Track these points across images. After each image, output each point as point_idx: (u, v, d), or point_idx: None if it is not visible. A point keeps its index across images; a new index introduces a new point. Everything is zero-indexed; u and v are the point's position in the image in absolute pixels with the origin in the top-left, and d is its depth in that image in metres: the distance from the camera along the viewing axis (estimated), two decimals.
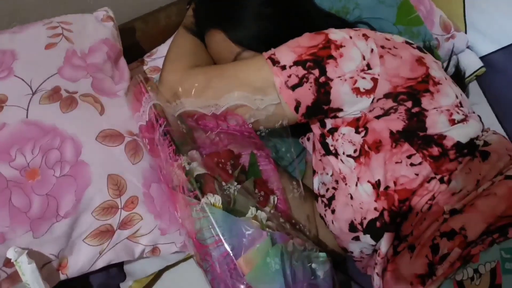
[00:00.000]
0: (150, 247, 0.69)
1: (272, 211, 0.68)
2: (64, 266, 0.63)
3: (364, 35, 0.66)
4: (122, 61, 0.80)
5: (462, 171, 0.61)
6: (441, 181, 0.61)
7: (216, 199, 0.63)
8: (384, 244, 0.63)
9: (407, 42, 0.69)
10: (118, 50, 0.80)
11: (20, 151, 0.60)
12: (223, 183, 0.65)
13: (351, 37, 0.65)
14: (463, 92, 0.74)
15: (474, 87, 1.01)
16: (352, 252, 0.72)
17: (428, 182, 0.62)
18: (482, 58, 1.00)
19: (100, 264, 0.65)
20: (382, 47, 0.65)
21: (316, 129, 0.71)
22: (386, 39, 0.68)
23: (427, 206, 0.61)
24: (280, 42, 0.67)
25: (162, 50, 0.92)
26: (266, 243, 0.60)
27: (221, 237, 0.59)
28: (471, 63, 0.98)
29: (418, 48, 0.70)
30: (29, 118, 0.63)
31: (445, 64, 0.85)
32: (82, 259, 0.64)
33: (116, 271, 0.72)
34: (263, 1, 0.73)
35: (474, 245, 0.55)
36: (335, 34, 0.66)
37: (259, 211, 0.65)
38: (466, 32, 1.00)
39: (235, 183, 0.66)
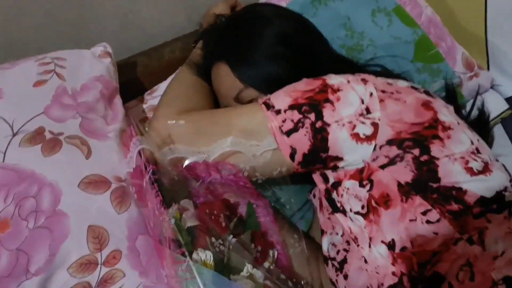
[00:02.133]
0: None
1: (271, 267, 0.62)
2: None
3: (363, 79, 0.62)
4: (118, 100, 0.76)
5: (498, 230, 0.55)
6: (470, 242, 0.54)
7: (207, 255, 0.56)
8: None
9: (413, 87, 0.64)
10: (114, 88, 0.76)
11: None
12: (214, 239, 0.58)
13: (349, 81, 0.61)
14: (488, 136, 0.67)
15: (499, 131, 0.93)
16: None
17: (455, 244, 0.55)
18: (507, 99, 0.93)
19: None
20: (383, 91, 0.61)
21: (320, 184, 0.66)
22: (388, 83, 0.63)
23: (466, 274, 0.54)
24: (285, 85, 0.64)
25: (163, 87, 0.87)
26: None
27: None
28: (495, 105, 0.91)
29: (426, 92, 0.65)
30: (6, 162, 0.58)
31: (468, 105, 0.79)
32: None
33: None
34: (276, 42, 0.70)
35: None
36: (333, 79, 0.62)
37: (255, 269, 0.58)
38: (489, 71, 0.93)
39: (231, 237, 0.60)
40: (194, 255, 0.56)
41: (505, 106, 0.92)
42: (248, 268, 0.57)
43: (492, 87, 0.95)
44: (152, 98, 0.88)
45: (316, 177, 0.66)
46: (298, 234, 0.68)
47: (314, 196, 0.76)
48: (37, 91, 0.67)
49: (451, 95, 0.77)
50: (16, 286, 0.53)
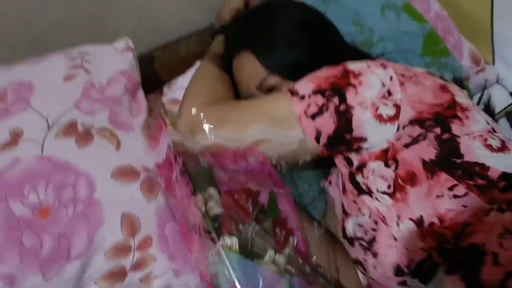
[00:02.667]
0: None
1: (291, 253, 0.65)
2: None
3: (382, 64, 0.65)
4: (140, 93, 0.79)
5: None
6: (501, 210, 0.56)
7: (233, 241, 0.60)
8: None
9: (429, 73, 0.68)
10: (137, 82, 0.79)
11: (34, 188, 0.58)
12: (241, 224, 0.62)
13: (369, 66, 0.64)
14: None
15: (503, 124, 0.96)
16: None
17: (487, 215, 0.56)
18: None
19: None
20: (402, 75, 0.64)
21: (343, 168, 0.68)
22: (406, 69, 0.66)
23: (510, 241, 0.54)
24: (308, 71, 0.67)
25: (181, 81, 0.91)
26: None
27: (236, 284, 0.56)
28: (501, 99, 0.94)
29: (441, 77, 0.68)
30: (44, 153, 0.61)
31: (476, 98, 0.82)
32: None
33: None
34: (295, 26, 0.74)
35: None
36: (354, 65, 0.65)
37: (277, 254, 0.62)
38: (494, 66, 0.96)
39: (254, 223, 0.63)
40: (221, 241, 0.59)
41: (510, 100, 0.95)
42: (270, 253, 0.61)
43: (497, 82, 0.97)
44: (171, 91, 0.90)
45: (339, 161, 0.68)
46: (316, 221, 0.71)
47: (330, 182, 0.79)
48: (67, 85, 0.70)
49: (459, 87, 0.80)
50: (60, 269, 0.57)
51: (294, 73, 0.70)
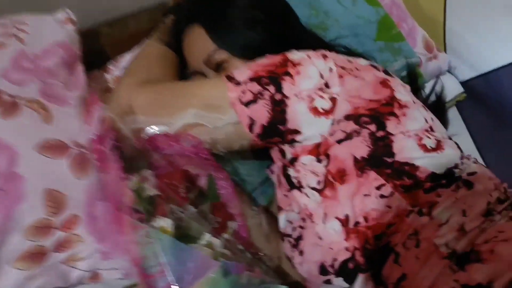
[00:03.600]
0: (89, 273, 0.62)
1: (230, 238, 0.63)
2: None
3: (323, 55, 0.63)
4: (79, 68, 0.74)
5: (446, 201, 0.57)
6: (420, 213, 0.56)
7: (167, 222, 0.57)
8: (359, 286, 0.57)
9: (372, 65, 0.66)
10: (75, 55, 0.74)
11: None
12: (176, 207, 0.59)
13: (309, 56, 0.62)
14: (444, 120, 0.70)
15: (454, 114, 0.97)
16: None
17: (407, 216, 0.56)
18: (462, 83, 0.97)
19: None
20: (343, 68, 0.62)
21: (278, 160, 0.67)
22: (348, 61, 0.65)
23: (412, 242, 0.55)
24: (258, 51, 0.65)
25: (128, 58, 0.86)
26: (217, 274, 0.54)
27: (166, 266, 0.53)
28: (451, 88, 0.95)
29: (385, 71, 0.67)
30: None
31: (427, 86, 0.82)
32: (9, 284, 0.56)
33: None
34: (252, 5, 0.73)
35: None
36: (294, 54, 0.63)
37: (214, 238, 0.59)
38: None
39: (191, 207, 0.60)
40: (153, 222, 0.56)
41: (461, 89, 0.95)
42: (206, 237, 0.58)
43: (448, 71, 0.98)
44: (116, 69, 0.86)
45: (275, 153, 0.67)
46: (257, 208, 0.69)
47: (273, 172, 0.77)
48: None
49: (412, 73, 0.80)
50: None
51: (243, 51, 0.69)
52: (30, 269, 0.57)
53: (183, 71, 0.79)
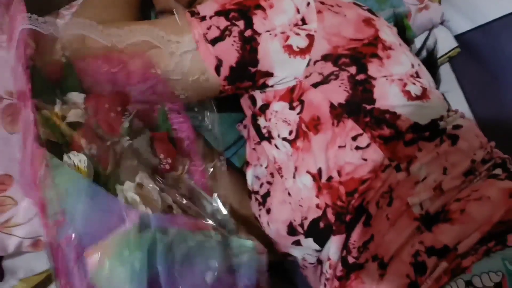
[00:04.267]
0: (29, 240, 0.55)
1: (182, 175, 0.53)
2: None
3: None
4: (16, 7, 0.65)
5: (427, 156, 0.51)
6: (398, 169, 0.51)
7: (81, 159, 0.44)
8: (334, 251, 0.52)
9: (355, 3, 0.59)
10: None
11: None
12: (103, 139, 0.47)
13: None
14: (435, 75, 0.63)
15: (446, 70, 0.90)
16: (294, 257, 0.60)
17: (383, 171, 0.51)
18: (456, 37, 0.89)
19: None
20: (322, 2, 0.55)
21: (247, 110, 0.60)
22: None
23: (385, 200, 0.50)
24: None
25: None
26: (130, 229, 0.41)
27: (68, 215, 0.41)
28: (444, 42, 0.87)
29: (369, 10, 0.60)
30: None
31: (418, 40, 0.75)
32: None
33: None
34: None
35: (465, 255, 0.46)
36: None
37: (149, 179, 0.46)
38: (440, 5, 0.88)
39: (125, 139, 0.48)
40: (66, 158, 0.44)
41: (454, 44, 0.88)
42: (139, 177, 0.46)
43: (441, 23, 0.90)
44: (70, 13, 0.76)
45: (244, 101, 0.60)
46: (223, 157, 0.60)
47: (245, 127, 0.70)
48: None
49: (399, 26, 0.72)
50: None
51: None
52: None
53: (145, 14, 0.70)
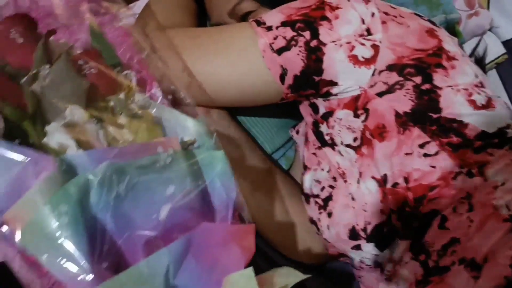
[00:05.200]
0: None
1: (131, 93, 0.41)
2: None
3: None
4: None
5: (500, 161, 0.51)
6: (470, 174, 0.51)
7: None
8: (401, 255, 0.53)
9: (416, 14, 0.60)
10: None
11: None
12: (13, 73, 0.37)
13: (349, 0, 0.56)
14: None
15: (493, 76, 0.88)
16: (350, 258, 0.62)
17: (454, 178, 0.51)
18: (504, 43, 0.87)
19: None
20: (386, 13, 0.55)
21: (308, 116, 0.61)
22: (391, 7, 0.58)
23: (463, 206, 0.50)
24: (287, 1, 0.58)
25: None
26: (49, 180, 0.32)
27: None
28: (492, 48, 0.85)
29: (429, 21, 0.60)
30: None
31: (468, 46, 0.76)
32: None
33: None
34: None
35: None
36: None
37: (79, 113, 0.36)
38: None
39: (46, 66, 0.37)
40: None
41: (502, 50, 0.86)
42: (70, 111, 0.36)
43: (490, 29, 0.88)
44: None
45: (304, 108, 0.61)
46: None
47: (298, 132, 0.72)
48: None
49: (450, 32, 0.72)
50: None
51: (273, 1, 0.62)
52: None
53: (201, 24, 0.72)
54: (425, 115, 0.52)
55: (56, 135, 0.34)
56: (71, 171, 0.32)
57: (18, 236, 0.30)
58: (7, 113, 0.34)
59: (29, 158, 0.31)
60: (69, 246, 0.30)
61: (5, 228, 0.31)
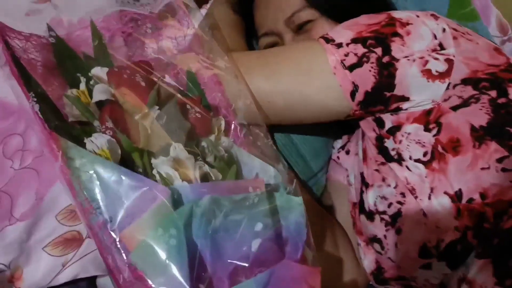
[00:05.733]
0: None
1: (220, 137, 0.47)
2: (18, 278, 0.52)
3: (433, 15, 0.56)
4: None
5: None
6: None
7: (104, 140, 0.39)
8: (483, 275, 0.51)
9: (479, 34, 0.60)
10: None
11: None
12: (130, 114, 0.42)
13: (418, 16, 0.56)
14: None
15: None
16: (410, 280, 0.60)
17: None
18: None
19: (63, 278, 0.53)
20: (455, 29, 0.55)
21: (370, 132, 0.60)
22: (458, 24, 0.58)
23: None
24: (350, 13, 0.58)
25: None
26: (162, 206, 0.37)
27: (91, 202, 0.37)
28: None
29: (491, 41, 0.60)
30: None
31: None
32: (40, 271, 0.52)
33: (86, 285, 0.60)
34: None
35: None
36: (400, 13, 0.56)
37: (181, 150, 0.41)
38: None
39: (155, 108, 0.43)
40: (87, 142, 0.39)
41: None
42: (173, 149, 0.41)
43: None
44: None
45: (366, 123, 0.60)
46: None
47: (348, 152, 0.71)
48: (29, 20, 0.60)
49: None
50: None
51: (333, 11, 0.63)
52: (64, 255, 0.53)
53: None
54: (503, 129, 0.51)
55: (163, 168, 0.39)
56: (178, 199, 0.38)
57: (131, 252, 0.35)
58: (123, 144, 0.40)
59: (147, 187, 0.36)
60: (174, 266, 0.34)
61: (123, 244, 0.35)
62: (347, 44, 0.53)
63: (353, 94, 0.53)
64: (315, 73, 0.54)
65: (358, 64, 0.52)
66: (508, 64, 0.54)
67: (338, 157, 0.74)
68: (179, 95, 0.45)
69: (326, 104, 0.55)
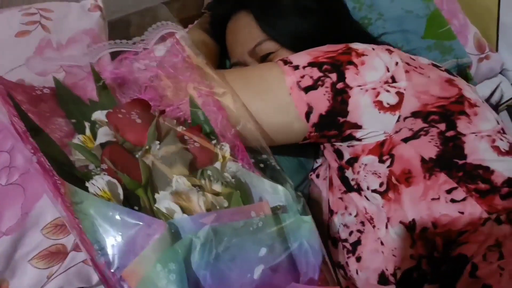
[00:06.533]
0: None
1: (226, 159, 0.46)
2: None
3: (388, 49, 0.59)
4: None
5: None
6: (498, 221, 0.51)
7: (104, 182, 0.40)
8: None
9: (434, 65, 0.62)
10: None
11: None
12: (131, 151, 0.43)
13: (373, 48, 0.58)
14: None
15: (504, 118, 0.90)
16: None
17: (483, 224, 0.51)
18: None
19: None
20: (407, 63, 0.57)
21: (333, 162, 0.62)
22: (411, 58, 0.60)
23: (494, 254, 0.50)
24: (310, 44, 0.61)
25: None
26: (160, 241, 0.37)
27: (93, 244, 0.39)
28: (504, 91, 0.87)
29: (447, 71, 0.62)
30: None
31: (478, 88, 0.78)
32: (26, 283, 0.54)
33: None
34: None
35: None
36: (357, 45, 0.58)
37: (183, 182, 0.41)
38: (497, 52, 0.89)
39: (156, 143, 0.44)
40: (89, 185, 0.40)
41: None
42: (175, 181, 0.41)
43: (501, 72, 0.91)
44: None
45: (329, 154, 0.62)
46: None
47: (318, 176, 0.72)
48: (19, 41, 0.62)
49: (462, 75, 0.74)
50: None
51: (294, 43, 0.66)
52: (49, 268, 0.54)
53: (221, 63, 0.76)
54: (451, 161, 0.53)
55: (165, 202, 0.39)
56: (177, 233, 0.37)
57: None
58: (125, 182, 0.40)
59: (143, 223, 0.36)
60: None
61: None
62: (304, 67, 0.55)
63: (308, 115, 0.55)
64: (273, 93, 0.55)
65: (313, 86, 0.54)
66: (459, 96, 0.56)
67: (311, 179, 0.76)
68: (178, 128, 0.45)
69: (283, 124, 0.56)
